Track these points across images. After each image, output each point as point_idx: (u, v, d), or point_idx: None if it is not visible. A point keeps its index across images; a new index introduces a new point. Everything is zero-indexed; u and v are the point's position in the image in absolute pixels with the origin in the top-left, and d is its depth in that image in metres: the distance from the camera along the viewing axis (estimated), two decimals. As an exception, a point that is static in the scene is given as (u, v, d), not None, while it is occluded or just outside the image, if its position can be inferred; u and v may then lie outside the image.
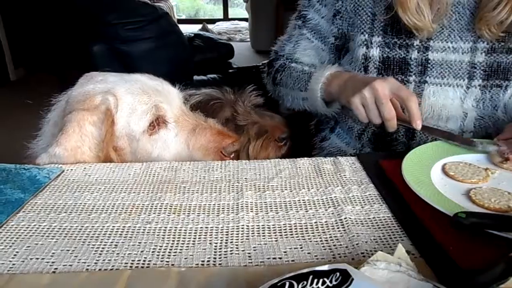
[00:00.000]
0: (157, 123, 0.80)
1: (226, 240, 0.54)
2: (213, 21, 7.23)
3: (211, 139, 0.83)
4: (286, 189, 0.66)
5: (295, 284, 0.37)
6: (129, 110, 0.78)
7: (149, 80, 0.84)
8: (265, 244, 0.53)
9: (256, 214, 0.59)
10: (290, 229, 0.56)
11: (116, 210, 0.61)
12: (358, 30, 0.94)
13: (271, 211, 0.60)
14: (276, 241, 0.54)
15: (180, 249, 0.52)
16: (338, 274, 0.37)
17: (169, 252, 0.52)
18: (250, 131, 0.98)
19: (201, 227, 0.56)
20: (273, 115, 1.04)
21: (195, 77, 2.31)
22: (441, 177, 0.67)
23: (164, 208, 0.61)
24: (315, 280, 0.37)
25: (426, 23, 0.85)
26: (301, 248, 0.52)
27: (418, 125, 0.76)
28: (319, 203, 0.62)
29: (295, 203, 0.62)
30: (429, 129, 0.82)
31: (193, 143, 0.82)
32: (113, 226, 0.57)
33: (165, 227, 0.56)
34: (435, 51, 0.89)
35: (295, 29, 1.08)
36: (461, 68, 0.88)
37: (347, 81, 0.88)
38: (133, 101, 0.79)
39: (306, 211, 0.60)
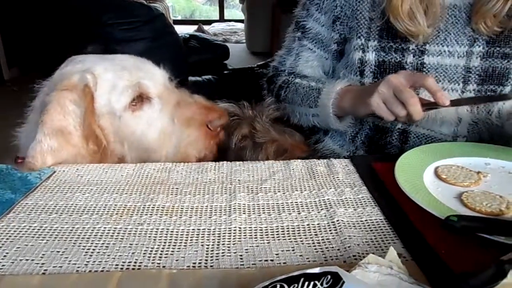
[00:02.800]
0: (140, 99, 0.78)
1: (218, 242, 0.54)
2: (209, 22, 7.22)
3: (197, 112, 0.81)
4: (279, 191, 0.66)
5: (286, 286, 0.37)
6: (109, 87, 0.77)
7: (130, 58, 0.83)
8: (257, 246, 0.53)
9: (249, 216, 0.59)
10: (283, 231, 0.56)
11: (108, 211, 0.60)
12: (355, 34, 0.94)
13: (263, 213, 0.60)
14: (268, 243, 0.53)
15: (172, 251, 0.52)
16: (329, 277, 0.37)
17: (161, 254, 0.51)
18: (268, 150, 0.93)
19: (193, 229, 0.56)
20: (293, 132, 0.99)
21: (190, 78, 2.31)
22: (433, 180, 0.67)
23: (156, 210, 0.61)
24: (306, 283, 0.37)
25: (420, 28, 0.85)
26: (293, 250, 0.52)
27: (443, 99, 0.74)
28: (312, 205, 0.62)
29: (288, 205, 0.62)
30: (458, 101, 0.81)
31: (178, 116, 0.80)
32: (104, 228, 0.56)
33: (157, 229, 0.56)
34: (431, 55, 0.89)
35: (294, 41, 1.07)
36: (456, 72, 0.88)
37: (360, 92, 0.88)
38: (114, 77, 0.77)
39: (299, 213, 0.60)
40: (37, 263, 0.49)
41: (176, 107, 0.81)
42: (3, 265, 0.49)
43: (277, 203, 0.63)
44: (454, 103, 0.78)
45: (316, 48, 1.04)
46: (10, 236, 0.54)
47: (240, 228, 0.56)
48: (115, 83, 0.77)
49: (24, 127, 0.83)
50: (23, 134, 0.82)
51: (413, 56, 0.90)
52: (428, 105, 0.77)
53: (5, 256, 0.51)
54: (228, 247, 0.53)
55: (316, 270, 0.38)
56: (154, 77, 0.81)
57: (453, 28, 0.88)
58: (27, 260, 0.50)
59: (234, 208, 0.61)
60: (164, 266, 0.49)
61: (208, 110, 0.81)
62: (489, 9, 0.83)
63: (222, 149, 0.93)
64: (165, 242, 0.53)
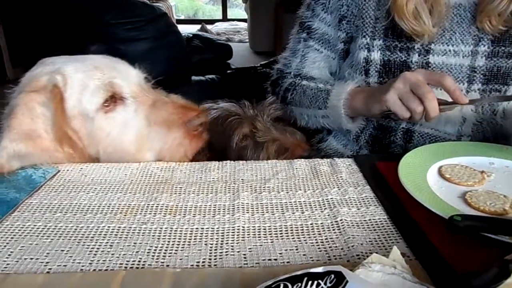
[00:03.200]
0: (113, 100, 0.75)
1: (222, 241, 0.54)
2: (212, 22, 7.23)
3: (174, 112, 0.77)
4: (282, 191, 0.66)
5: (290, 286, 0.37)
6: (80, 87, 0.73)
7: (103, 58, 0.80)
8: (261, 245, 0.53)
9: (252, 215, 0.59)
10: (286, 230, 0.56)
11: (112, 211, 0.60)
12: (360, 33, 0.94)
13: (267, 212, 0.60)
14: (271, 242, 0.53)
15: (176, 250, 0.52)
16: (332, 276, 0.37)
17: (164, 253, 0.51)
18: (269, 149, 0.93)
19: (196, 228, 0.56)
20: (294, 131, 0.99)
21: (193, 78, 2.31)
22: (437, 179, 0.67)
23: (160, 209, 0.61)
24: (310, 282, 0.37)
25: (425, 28, 0.85)
26: (296, 249, 0.52)
27: (462, 97, 0.73)
28: (315, 205, 0.62)
29: (291, 204, 0.62)
30: (476, 101, 0.81)
31: (154, 118, 0.76)
32: (109, 227, 0.57)
33: (161, 228, 0.56)
34: (436, 54, 0.89)
35: (299, 42, 1.06)
36: (461, 72, 0.88)
37: (373, 91, 0.87)
38: (84, 77, 0.74)
39: (302, 213, 0.60)
40: (42, 262, 0.50)
41: (151, 108, 0.77)
42: (8, 264, 0.49)
43: (280, 203, 0.63)
44: (472, 101, 0.77)
45: (323, 49, 1.03)
46: (14, 235, 0.55)
47: (243, 227, 0.56)
48: (86, 83, 0.74)
49: None
50: None
51: (418, 55, 0.89)
52: (445, 104, 0.76)
53: (9, 255, 0.51)
54: (232, 246, 0.53)
55: (320, 269, 0.38)
56: (128, 77, 0.78)
57: (458, 27, 0.87)
58: (31, 259, 0.50)
59: (238, 207, 0.61)
60: (168, 265, 0.49)
61: (185, 110, 0.78)
62: (494, 7, 0.82)
63: (223, 148, 0.93)
64: (168, 241, 0.54)
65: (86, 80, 0.74)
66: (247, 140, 0.95)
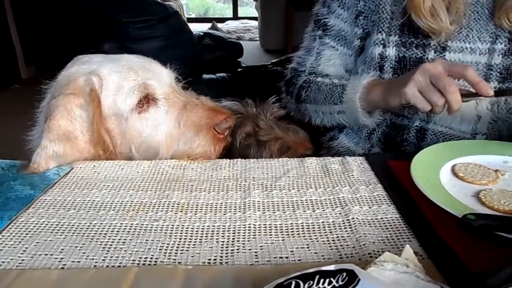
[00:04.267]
0: (146, 101, 0.77)
1: (233, 238, 0.54)
2: (222, 20, 7.24)
3: (203, 115, 0.79)
4: (293, 189, 0.66)
5: (301, 283, 0.37)
6: (115, 88, 0.76)
7: (136, 58, 0.82)
8: (272, 243, 0.53)
9: (263, 213, 0.59)
10: (297, 228, 0.56)
11: (124, 208, 0.61)
12: (376, 28, 0.93)
13: (278, 210, 0.60)
14: (282, 240, 0.53)
15: (187, 247, 0.52)
16: (344, 274, 0.37)
17: (176, 250, 0.52)
18: (272, 147, 0.93)
19: (208, 226, 0.57)
20: (297, 129, 0.99)
21: (204, 76, 2.32)
22: (450, 178, 0.66)
23: (172, 206, 0.61)
24: (321, 280, 0.37)
25: (442, 26, 0.84)
26: (307, 247, 0.52)
27: (487, 89, 0.70)
28: (326, 203, 0.62)
29: (302, 202, 0.62)
30: (503, 92, 0.78)
31: (185, 120, 0.78)
32: (121, 224, 0.57)
33: (172, 225, 0.57)
34: (452, 51, 0.87)
35: (314, 40, 1.05)
36: (477, 69, 0.86)
37: (390, 83, 0.85)
38: (119, 79, 0.76)
39: (313, 211, 0.60)
40: (56, 258, 0.50)
41: (182, 110, 0.79)
42: (23, 260, 0.50)
43: (291, 201, 0.63)
44: (498, 93, 0.74)
45: (339, 46, 1.02)
46: (29, 232, 0.56)
47: (254, 225, 0.57)
48: (121, 84, 0.76)
49: (34, 129, 0.83)
50: (35, 137, 0.82)
51: (434, 52, 0.88)
52: (466, 95, 0.74)
53: (24, 251, 0.52)
54: (243, 244, 0.53)
55: (332, 267, 0.38)
56: (161, 78, 0.80)
57: (475, 25, 0.86)
58: (46, 255, 0.51)
59: (249, 205, 0.61)
60: (179, 262, 0.50)
61: (215, 113, 0.80)
62: None
63: (226, 147, 0.93)
64: (180, 238, 0.54)
65: (121, 81, 0.76)
66: (250, 138, 0.95)
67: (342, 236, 0.54)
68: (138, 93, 0.76)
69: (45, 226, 0.57)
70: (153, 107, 0.78)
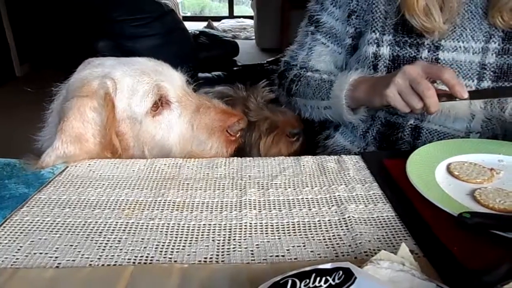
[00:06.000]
0: (160, 104, 0.78)
1: (229, 237, 0.54)
2: (218, 19, 7.22)
3: (216, 118, 0.81)
4: (289, 187, 0.66)
5: (298, 282, 0.37)
6: (130, 92, 0.76)
7: (148, 61, 0.83)
8: (268, 241, 0.53)
9: (259, 211, 0.59)
10: (293, 227, 0.56)
11: (120, 206, 0.61)
12: (369, 28, 0.93)
13: (274, 209, 0.60)
14: (279, 239, 0.53)
15: (183, 246, 0.52)
16: (341, 272, 0.37)
17: (172, 249, 0.52)
18: (261, 127, 0.97)
19: (204, 224, 0.56)
20: (285, 110, 1.03)
21: (200, 75, 2.31)
22: (445, 176, 0.66)
23: (167, 205, 0.61)
24: (318, 278, 0.37)
25: (436, 25, 0.84)
26: (304, 246, 0.52)
27: (462, 92, 0.72)
28: (322, 202, 0.62)
29: (298, 201, 0.62)
30: (478, 93, 0.80)
31: (198, 123, 0.80)
32: (117, 222, 0.57)
33: (168, 224, 0.57)
34: (446, 50, 0.88)
35: (307, 36, 1.06)
36: (471, 68, 0.87)
37: (375, 82, 0.87)
38: (133, 82, 0.77)
39: (310, 209, 0.60)
40: (51, 257, 0.50)
41: (195, 113, 0.80)
42: (17, 259, 0.50)
43: (287, 199, 0.63)
44: (472, 95, 0.76)
45: (330, 43, 1.03)
46: (24, 230, 0.55)
47: (250, 223, 0.56)
48: (135, 88, 0.76)
49: (44, 130, 0.84)
50: (45, 137, 0.82)
51: (428, 51, 0.88)
52: (444, 96, 0.76)
53: (19, 249, 0.51)
54: (239, 242, 0.53)
55: (328, 265, 0.38)
56: (173, 81, 0.81)
57: (469, 24, 0.86)
58: (40, 253, 0.51)
59: (245, 204, 0.61)
60: (175, 261, 0.49)
61: (227, 115, 0.81)
62: (506, 2, 0.81)
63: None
64: (176, 237, 0.54)
65: (134, 85, 0.77)
66: None
67: (338, 235, 0.54)
68: (153, 96, 0.77)
69: (39, 225, 0.56)
70: (167, 110, 0.79)
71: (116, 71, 0.78)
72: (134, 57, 0.85)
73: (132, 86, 0.77)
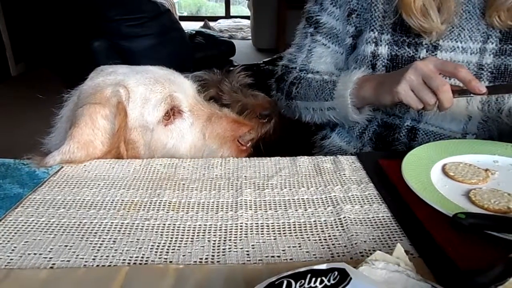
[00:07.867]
0: (172, 113, 0.79)
1: (225, 237, 0.54)
2: (215, 19, 7.22)
3: (228, 128, 0.82)
4: (285, 188, 0.66)
5: (293, 282, 0.37)
6: (142, 100, 0.77)
7: (160, 70, 0.83)
8: (264, 242, 0.53)
9: (255, 212, 0.59)
10: (289, 227, 0.56)
11: (115, 207, 0.61)
12: (368, 27, 0.93)
13: (270, 209, 0.60)
14: (274, 239, 0.53)
15: (179, 246, 0.52)
16: (336, 273, 0.37)
17: (167, 249, 0.51)
18: (233, 110, 0.98)
19: (199, 225, 0.56)
20: (258, 94, 1.08)
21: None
22: (441, 177, 0.67)
23: (163, 205, 0.61)
24: (313, 279, 0.37)
25: (433, 25, 0.84)
26: (299, 246, 0.52)
27: (479, 87, 0.71)
28: (318, 202, 0.62)
29: (294, 201, 0.62)
30: (496, 88, 0.79)
31: (209, 132, 0.81)
32: (112, 222, 0.57)
33: (164, 224, 0.56)
34: (444, 50, 0.88)
35: (306, 37, 1.05)
36: (468, 69, 0.87)
37: (382, 80, 0.85)
38: (146, 91, 0.77)
39: (305, 210, 0.60)
40: (45, 257, 0.50)
41: (207, 122, 0.81)
42: (11, 259, 0.49)
43: (283, 200, 0.63)
44: (491, 90, 0.75)
45: (331, 43, 1.02)
46: (18, 231, 0.55)
47: (246, 224, 0.56)
48: (147, 96, 0.77)
49: (52, 135, 0.84)
50: (53, 142, 0.82)
51: (426, 51, 0.89)
52: (458, 92, 0.74)
53: (13, 250, 0.51)
54: (235, 243, 0.53)
55: (323, 266, 0.38)
56: (185, 90, 0.82)
57: (467, 24, 0.87)
58: (35, 254, 0.50)
59: (241, 204, 0.61)
60: (171, 261, 0.49)
61: (238, 125, 0.82)
62: (503, 2, 0.81)
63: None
64: (171, 238, 0.54)
65: (147, 94, 0.77)
66: (215, 102, 1.00)
67: (334, 235, 0.54)
68: (165, 105, 0.77)
69: (34, 225, 0.56)
70: (179, 119, 0.80)
71: (130, 80, 0.78)
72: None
73: (145, 95, 0.77)
